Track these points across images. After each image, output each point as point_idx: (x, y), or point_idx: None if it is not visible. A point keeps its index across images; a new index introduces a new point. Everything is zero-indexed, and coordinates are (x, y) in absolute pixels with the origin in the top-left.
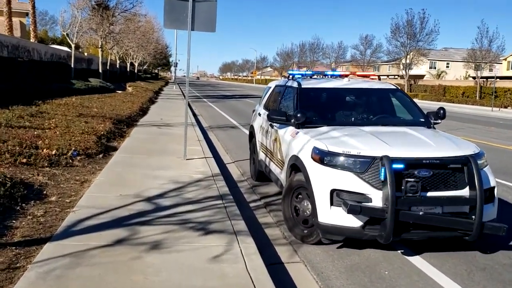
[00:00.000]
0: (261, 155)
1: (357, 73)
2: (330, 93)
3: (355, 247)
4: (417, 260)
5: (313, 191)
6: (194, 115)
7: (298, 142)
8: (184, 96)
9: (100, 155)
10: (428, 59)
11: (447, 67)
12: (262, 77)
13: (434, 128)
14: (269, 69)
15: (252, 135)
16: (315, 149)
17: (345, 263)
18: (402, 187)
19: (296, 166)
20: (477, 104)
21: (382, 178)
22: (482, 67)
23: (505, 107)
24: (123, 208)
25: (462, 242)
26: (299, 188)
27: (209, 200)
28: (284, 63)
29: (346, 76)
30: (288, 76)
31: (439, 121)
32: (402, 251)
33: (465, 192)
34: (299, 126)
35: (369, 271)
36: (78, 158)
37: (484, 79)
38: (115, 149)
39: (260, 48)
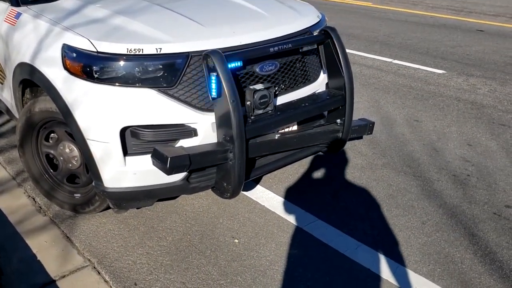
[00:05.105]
0: None
1: None
2: None
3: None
4: (275, 203)
5: (83, 135)
6: None
7: (26, 35)
8: None
9: None
10: None
11: None
12: None
13: None
14: None
15: None
16: (68, 50)
17: (167, 241)
18: (248, 102)
19: (33, 83)
20: None
21: (214, 93)
22: None
23: None
24: None
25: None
26: (50, 122)
27: None
28: None
29: None
30: None
31: None
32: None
33: (319, 84)
34: (18, 1)
35: (210, 245)
36: None
37: None
38: None
39: None
